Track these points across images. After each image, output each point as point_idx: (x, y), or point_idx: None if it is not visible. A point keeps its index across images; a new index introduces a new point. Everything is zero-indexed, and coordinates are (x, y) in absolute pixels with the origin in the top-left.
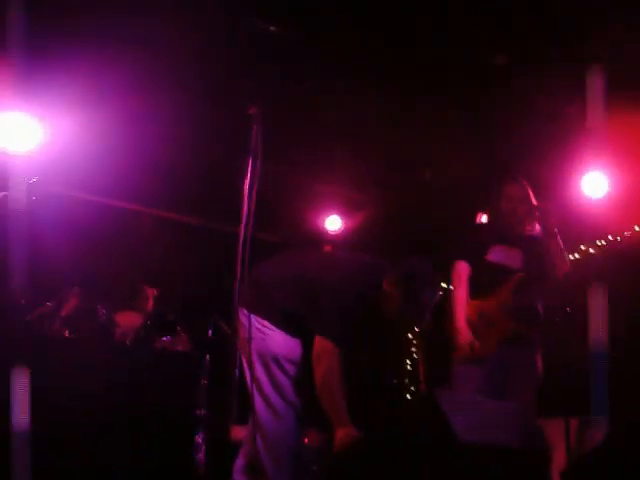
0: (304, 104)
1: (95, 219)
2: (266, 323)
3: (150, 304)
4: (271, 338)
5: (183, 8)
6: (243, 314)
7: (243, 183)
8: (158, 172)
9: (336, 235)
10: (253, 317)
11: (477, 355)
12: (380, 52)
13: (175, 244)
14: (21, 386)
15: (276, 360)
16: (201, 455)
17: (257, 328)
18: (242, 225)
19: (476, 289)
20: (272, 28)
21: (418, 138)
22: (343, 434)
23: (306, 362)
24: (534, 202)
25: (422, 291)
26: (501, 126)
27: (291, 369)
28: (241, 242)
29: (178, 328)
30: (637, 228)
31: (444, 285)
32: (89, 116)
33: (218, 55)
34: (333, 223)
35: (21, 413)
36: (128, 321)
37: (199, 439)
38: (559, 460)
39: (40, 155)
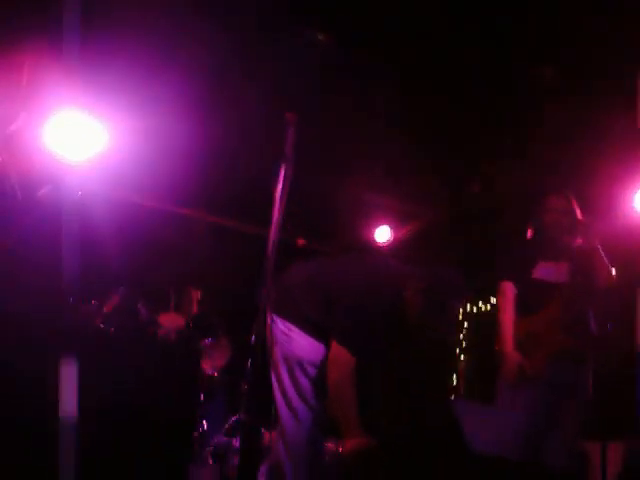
0: (357, 114)
1: (144, 222)
2: (292, 327)
3: (194, 307)
4: (296, 342)
5: (233, 8)
6: (270, 318)
7: (275, 188)
8: (205, 175)
9: (385, 246)
10: (279, 320)
11: (526, 375)
12: (429, 64)
13: (222, 248)
14: (69, 376)
15: (300, 364)
16: (235, 459)
17: (282, 331)
18: (272, 229)
19: (524, 308)
20: (320, 37)
21: (468, 152)
22: (353, 444)
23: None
24: (578, 215)
25: (445, 302)
26: (551, 141)
27: (314, 372)
28: (270, 246)
29: (220, 331)
30: None
31: (493, 302)
32: (140, 119)
33: (265, 59)
34: (382, 234)
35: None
36: (170, 322)
37: (236, 443)
38: None
39: (97, 160)
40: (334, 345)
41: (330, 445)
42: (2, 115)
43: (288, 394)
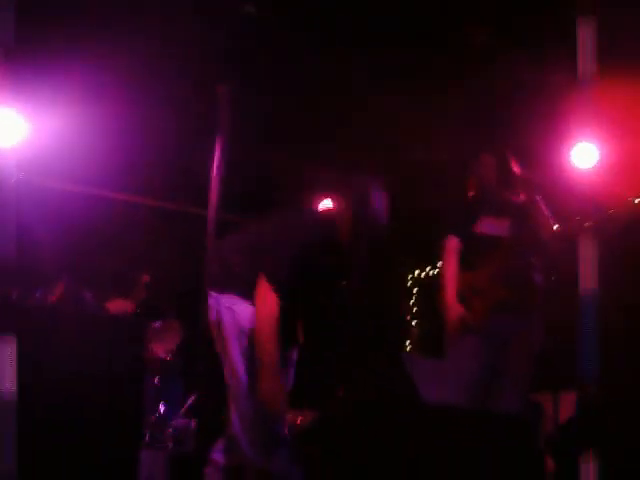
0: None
1: (81, 210)
2: (235, 299)
3: (142, 291)
4: (242, 313)
5: None
6: (211, 297)
7: (210, 165)
8: (137, 159)
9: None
10: (221, 296)
11: (469, 325)
12: (372, 33)
13: (162, 230)
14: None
15: (248, 335)
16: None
17: (226, 307)
18: (210, 208)
19: (467, 262)
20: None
21: (402, 120)
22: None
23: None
24: (516, 170)
25: (373, 206)
26: (487, 102)
27: None
28: (209, 225)
29: (170, 314)
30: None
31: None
32: (70, 107)
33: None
34: (325, 206)
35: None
36: (118, 308)
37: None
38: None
39: (25, 149)
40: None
41: (288, 416)
42: None
43: (238, 370)
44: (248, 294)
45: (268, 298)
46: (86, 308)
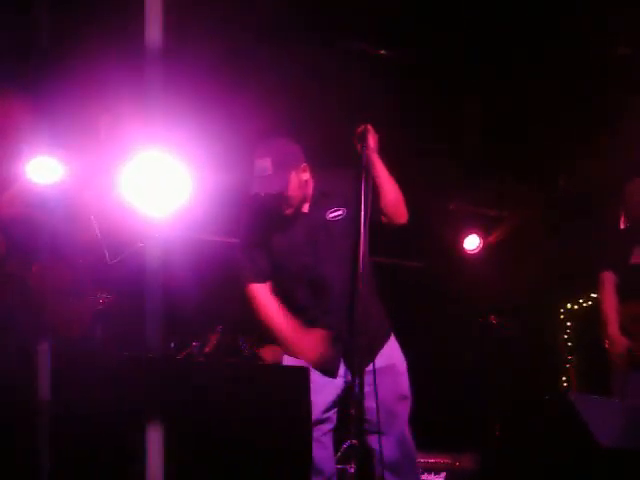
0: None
1: (221, 258)
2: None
3: None
4: None
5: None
6: None
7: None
8: None
9: (475, 254)
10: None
11: (637, 358)
12: (498, 62)
13: None
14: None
15: None
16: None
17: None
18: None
19: (625, 294)
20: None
21: (546, 146)
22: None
23: None
24: None
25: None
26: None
27: None
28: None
29: None
30: None
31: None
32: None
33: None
34: (472, 242)
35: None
36: (272, 355)
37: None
38: None
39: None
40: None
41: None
42: (84, 170)
43: None
44: None
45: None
46: (242, 356)
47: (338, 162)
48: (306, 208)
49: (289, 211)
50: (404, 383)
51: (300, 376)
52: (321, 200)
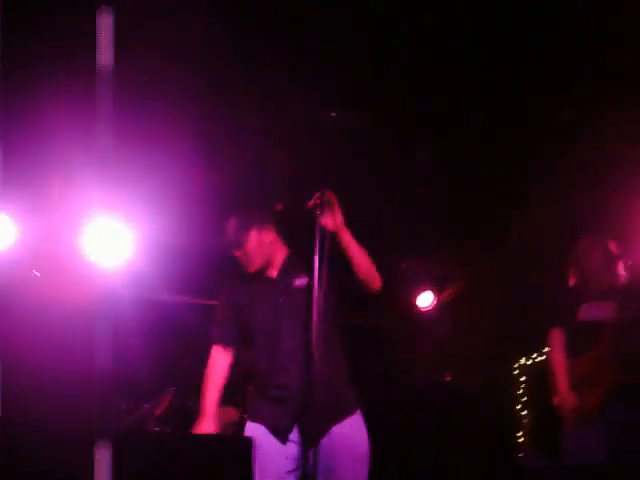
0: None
1: (178, 319)
2: None
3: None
4: None
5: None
6: None
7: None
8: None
9: (428, 311)
10: None
11: (586, 415)
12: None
13: None
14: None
15: None
16: None
17: None
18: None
19: (574, 351)
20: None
21: (497, 203)
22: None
23: None
24: (615, 252)
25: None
26: (579, 181)
27: None
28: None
29: None
30: None
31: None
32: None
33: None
34: (425, 299)
35: None
36: (226, 417)
37: None
38: None
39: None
40: None
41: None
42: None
43: None
44: None
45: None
46: (192, 418)
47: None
48: (274, 273)
49: (251, 269)
50: (360, 471)
51: (242, 447)
52: (290, 267)
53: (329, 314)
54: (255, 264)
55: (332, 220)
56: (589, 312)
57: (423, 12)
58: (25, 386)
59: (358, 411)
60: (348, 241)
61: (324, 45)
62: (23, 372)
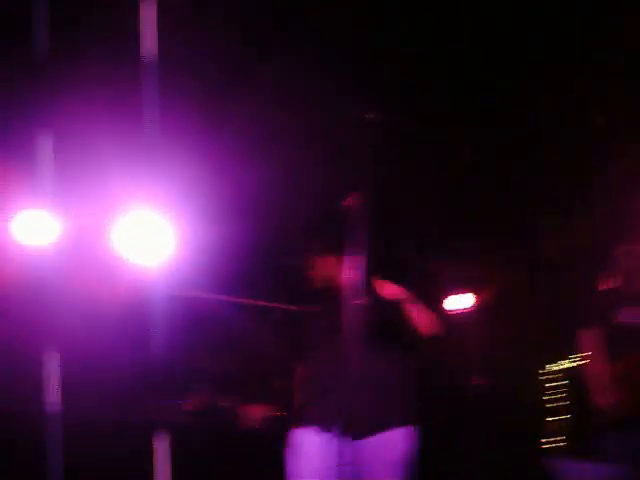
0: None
1: (221, 317)
2: None
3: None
4: None
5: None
6: None
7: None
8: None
9: (457, 314)
10: None
11: (624, 414)
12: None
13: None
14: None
15: None
16: None
17: None
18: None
19: (612, 354)
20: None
21: (531, 210)
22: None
23: None
24: None
25: None
26: (616, 188)
27: None
28: None
29: None
30: None
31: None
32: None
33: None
34: (458, 302)
35: None
36: (253, 414)
37: None
38: None
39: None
40: None
41: None
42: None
43: None
44: None
45: None
46: (220, 416)
47: None
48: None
49: (316, 286)
50: None
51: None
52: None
53: (382, 326)
54: (322, 281)
55: (391, 291)
56: (627, 315)
57: (466, 12)
58: (84, 381)
59: (406, 427)
60: (412, 308)
61: (360, 47)
62: (81, 367)
